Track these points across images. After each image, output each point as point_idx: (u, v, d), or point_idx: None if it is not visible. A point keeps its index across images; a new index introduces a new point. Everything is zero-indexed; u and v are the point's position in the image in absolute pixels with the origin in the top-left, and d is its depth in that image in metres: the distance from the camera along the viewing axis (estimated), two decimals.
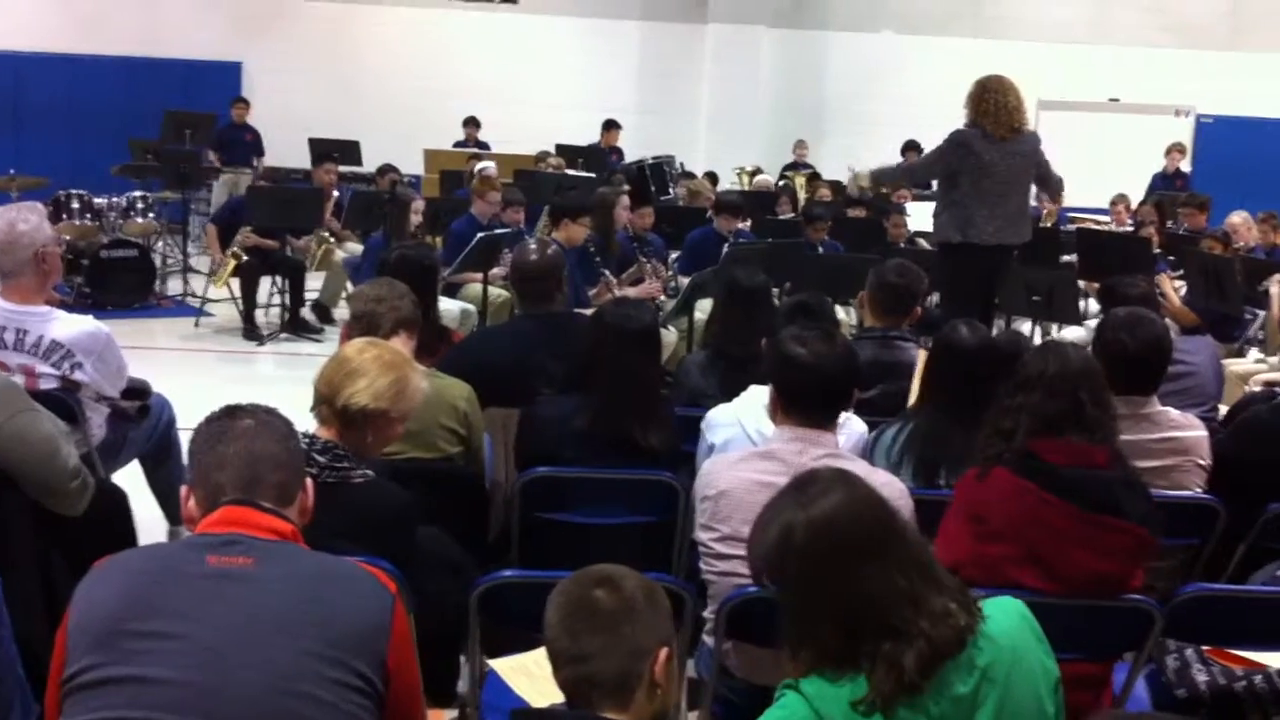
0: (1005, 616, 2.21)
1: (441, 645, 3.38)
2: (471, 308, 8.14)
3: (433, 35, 17.27)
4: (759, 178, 14.53)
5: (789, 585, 2.18)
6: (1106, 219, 13.01)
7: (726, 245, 8.73)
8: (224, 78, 16.70)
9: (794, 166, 16.21)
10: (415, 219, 9.28)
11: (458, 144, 15.49)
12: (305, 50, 17.01)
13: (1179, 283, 8.89)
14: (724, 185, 13.78)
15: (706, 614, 3.24)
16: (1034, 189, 7.46)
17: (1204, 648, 3.40)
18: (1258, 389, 6.12)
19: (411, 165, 14.13)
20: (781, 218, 11.26)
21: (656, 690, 2.10)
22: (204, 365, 9.17)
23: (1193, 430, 3.98)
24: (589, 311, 5.30)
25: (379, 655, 2.24)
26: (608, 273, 7.96)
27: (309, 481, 2.48)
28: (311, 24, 17.15)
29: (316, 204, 10.03)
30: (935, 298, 8.89)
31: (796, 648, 2.16)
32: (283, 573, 2.25)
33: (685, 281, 8.05)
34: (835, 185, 13.97)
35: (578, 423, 3.81)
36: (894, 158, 16.00)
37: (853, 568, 2.12)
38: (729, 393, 4.05)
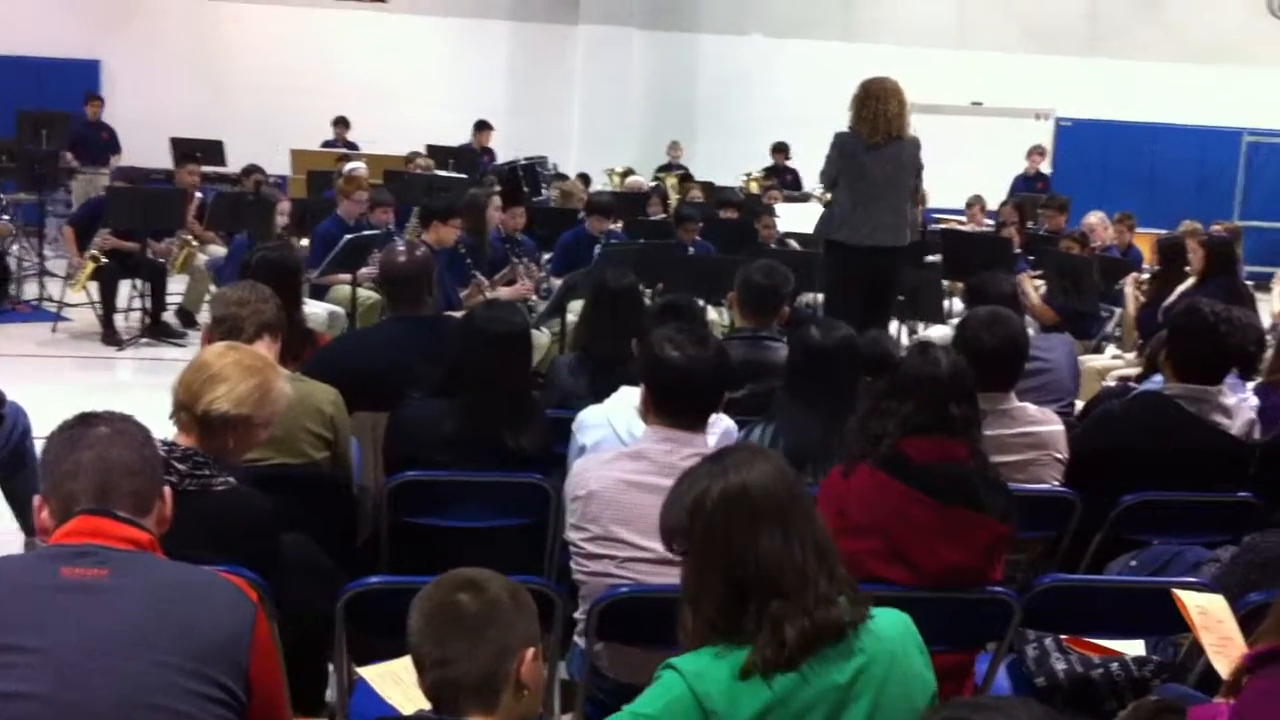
0: (891, 623, 2.28)
1: (308, 654, 3.32)
2: (340, 310, 8.03)
3: (301, 34, 17.00)
4: (631, 179, 14.57)
5: (694, 544, 2.25)
6: (961, 217, 13.33)
7: (599, 246, 8.75)
8: (81, 76, 16.24)
9: (668, 167, 16.30)
10: (281, 220, 9.14)
11: (326, 144, 15.27)
12: (167, 48, 16.63)
13: (1038, 282, 9.13)
14: (596, 186, 13.79)
15: (578, 615, 3.24)
16: None
17: (1062, 637, 3.50)
18: (1112, 384, 6.30)
19: (278, 166, 13.89)
20: (653, 218, 11.31)
21: (523, 691, 2.09)
22: (61, 371, 8.89)
23: (1049, 425, 4.10)
24: (460, 314, 5.27)
25: (240, 665, 2.21)
26: (479, 274, 7.91)
27: (167, 490, 2.43)
28: (173, 21, 16.76)
29: (178, 205, 9.80)
30: (809, 297, 9.05)
31: (691, 611, 2.23)
32: (139, 583, 2.21)
33: (558, 283, 8.04)
34: (707, 186, 14.08)
35: (447, 426, 3.78)
36: (764, 159, 16.25)
37: (756, 531, 2.19)
38: (599, 394, 4.06)
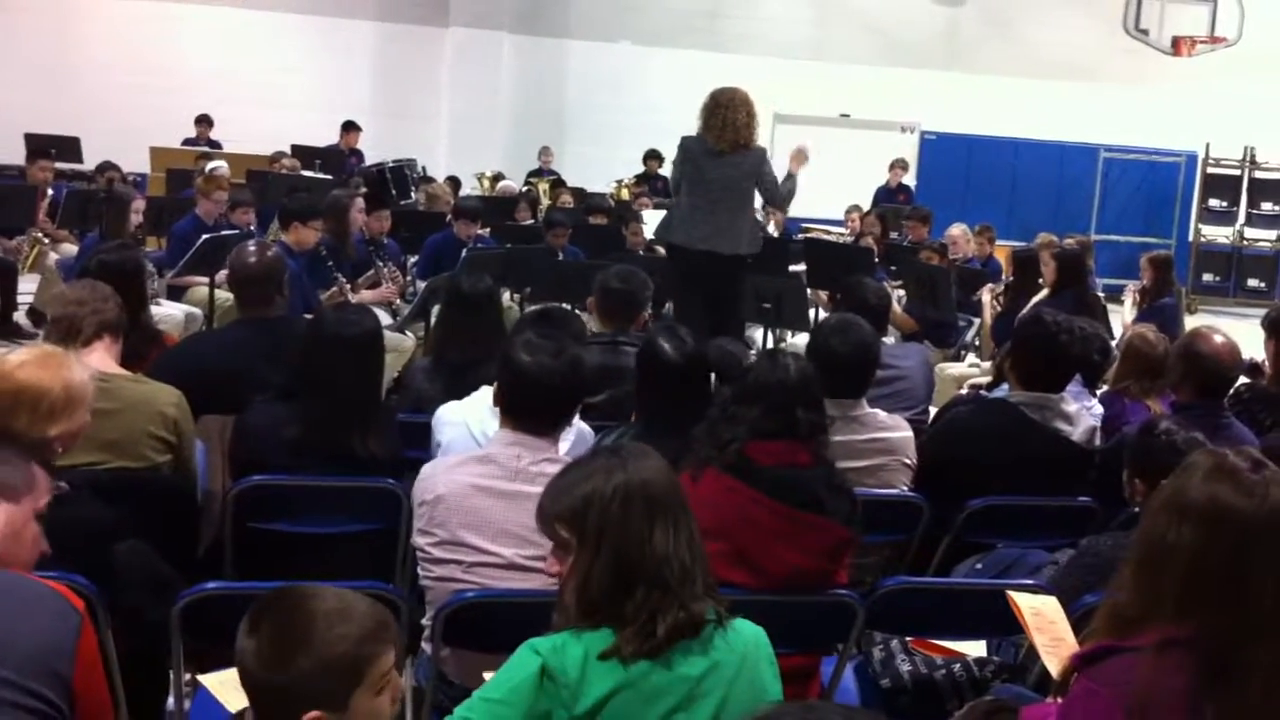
0: (746, 631, 2.37)
1: (147, 662, 3.23)
2: (197, 312, 7.83)
3: (163, 29, 16.59)
4: (502, 184, 14.51)
5: (586, 532, 2.29)
6: (839, 229, 13.51)
7: (465, 250, 8.68)
8: None
9: (539, 173, 16.27)
10: (135, 219, 8.87)
11: (188, 142, 14.93)
12: (24, 40, 16.09)
13: (899, 291, 9.29)
14: (466, 190, 13.71)
15: (425, 621, 3.20)
16: (759, 202, 7.65)
17: (908, 639, 3.55)
18: (964, 392, 6.44)
19: (138, 164, 13.54)
20: (522, 224, 11.27)
21: None
22: None
23: (899, 431, 4.17)
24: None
25: (62, 676, 2.17)
26: (341, 277, 7.79)
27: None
28: (31, 14, 16.23)
29: (28, 202, 9.49)
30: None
31: (577, 595, 2.28)
32: None
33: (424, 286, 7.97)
34: (578, 192, 14.08)
35: (293, 430, 3.70)
36: (636, 167, 16.32)
37: (651, 525, 2.29)
38: (453, 397, 4.02)
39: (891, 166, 15.91)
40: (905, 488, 4.13)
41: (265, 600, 2.09)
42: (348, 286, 7.79)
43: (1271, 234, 17.82)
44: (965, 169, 17.62)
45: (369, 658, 2.03)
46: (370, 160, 14.26)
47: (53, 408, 2.86)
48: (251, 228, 8.72)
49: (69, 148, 13.59)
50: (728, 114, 6.89)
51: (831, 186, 15.12)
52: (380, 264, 8.31)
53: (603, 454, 2.44)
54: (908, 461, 4.15)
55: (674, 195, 7.41)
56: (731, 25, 17.87)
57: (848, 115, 17.65)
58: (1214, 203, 17.74)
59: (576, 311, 6.96)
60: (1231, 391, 4.85)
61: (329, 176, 12.05)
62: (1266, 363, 6.05)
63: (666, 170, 16.19)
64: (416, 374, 4.73)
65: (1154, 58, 17.56)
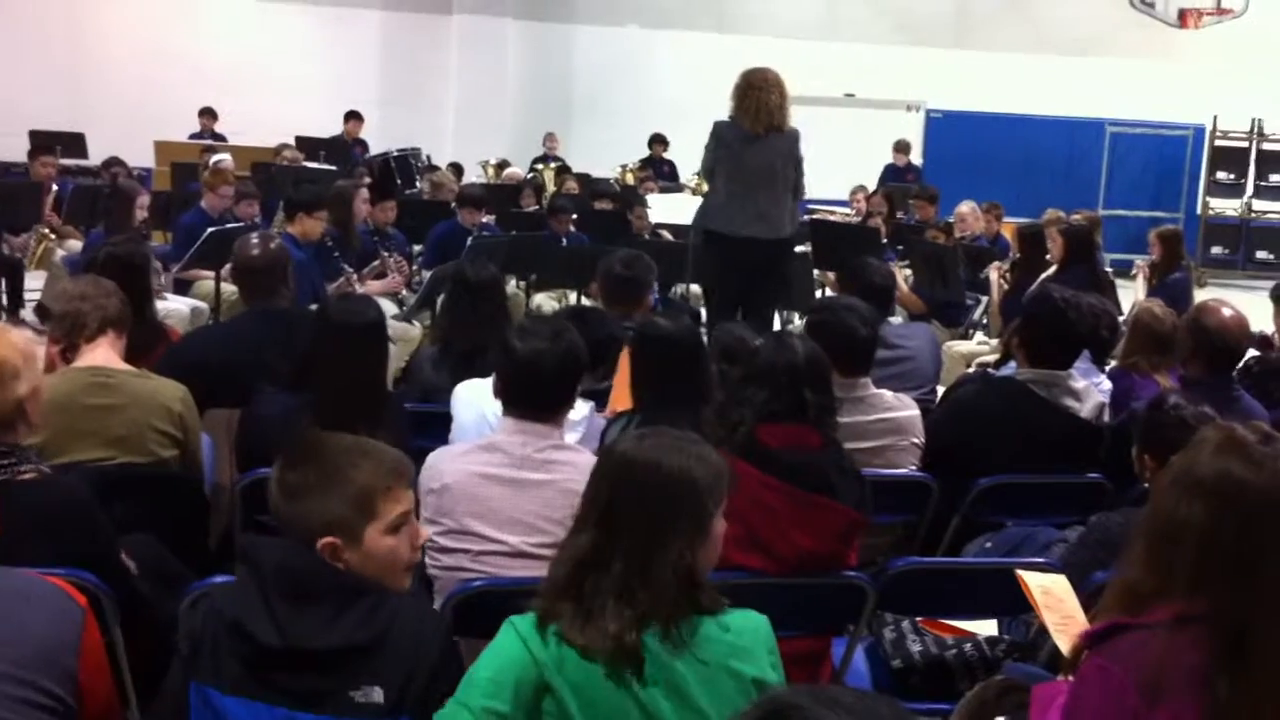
0: (743, 621, 2.28)
1: (158, 656, 3.23)
2: (203, 305, 7.83)
3: (166, 22, 16.59)
4: (508, 170, 14.48)
5: (614, 503, 2.24)
6: (845, 210, 13.46)
7: (471, 239, 8.66)
8: None
9: (544, 159, 16.22)
10: (141, 214, 8.87)
11: (193, 136, 14.92)
12: (29, 37, 16.09)
13: (906, 271, 9.26)
14: (470, 178, 13.67)
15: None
16: None
17: (919, 619, 3.54)
18: (972, 370, 6.41)
19: (143, 158, 13.54)
20: (526, 210, 11.24)
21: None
22: None
23: (906, 410, 4.15)
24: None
25: (69, 671, 2.17)
26: (348, 268, 7.79)
27: None
28: (34, 8, 16.23)
29: (34, 199, 9.50)
30: (681, 288, 9.09)
31: (568, 558, 2.25)
32: None
33: (429, 276, 7.96)
34: (583, 178, 14.04)
35: (299, 421, 3.69)
36: (643, 151, 16.27)
37: (671, 529, 2.20)
38: None
39: (895, 148, 15.83)
40: (914, 468, 4.12)
41: (296, 442, 2.33)
42: (355, 277, 7.78)
43: None
44: (972, 147, 17.54)
45: (382, 492, 2.25)
46: (376, 150, 14.24)
47: (15, 370, 2.81)
48: (256, 220, 8.71)
49: (75, 144, 13.61)
50: (761, 96, 6.71)
51: (837, 167, 15.05)
52: (386, 254, 8.31)
53: (671, 435, 2.34)
54: (916, 441, 4.14)
55: (707, 182, 7.24)
56: (738, 6, 17.82)
57: (852, 95, 17.57)
58: (1222, 175, 17.60)
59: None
60: (1241, 365, 4.82)
61: (333, 167, 12.04)
62: (1276, 335, 6.02)
63: (671, 154, 16.25)
64: (423, 363, 4.73)
65: (1161, 30, 17.45)
